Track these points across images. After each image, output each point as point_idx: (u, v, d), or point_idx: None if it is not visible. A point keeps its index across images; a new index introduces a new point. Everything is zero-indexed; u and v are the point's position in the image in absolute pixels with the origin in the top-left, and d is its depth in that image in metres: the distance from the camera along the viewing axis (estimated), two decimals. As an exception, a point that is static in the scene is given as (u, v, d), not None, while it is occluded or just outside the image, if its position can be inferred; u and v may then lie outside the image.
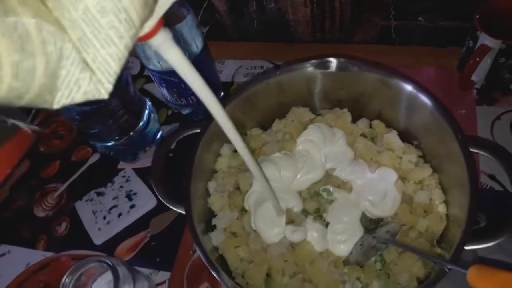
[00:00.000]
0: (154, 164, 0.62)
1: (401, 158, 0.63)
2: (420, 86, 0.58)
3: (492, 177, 0.73)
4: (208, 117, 0.62)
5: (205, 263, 0.52)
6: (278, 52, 0.94)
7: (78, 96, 0.23)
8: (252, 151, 0.67)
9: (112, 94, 0.24)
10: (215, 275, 0.51)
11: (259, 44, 0.97)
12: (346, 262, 0.57)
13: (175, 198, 0.59)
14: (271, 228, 0.58)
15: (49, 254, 0.80)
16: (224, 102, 0.62)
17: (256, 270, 0.58)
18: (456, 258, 0.46)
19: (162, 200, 0.58)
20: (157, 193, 0.59)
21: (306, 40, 0.96)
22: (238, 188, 0.65)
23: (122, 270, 0.64)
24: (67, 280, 0.62)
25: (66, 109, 0.72)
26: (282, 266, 0.57)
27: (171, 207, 0.58)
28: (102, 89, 0.23)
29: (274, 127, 0.69)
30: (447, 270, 0.45)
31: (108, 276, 0.68)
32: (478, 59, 0.72)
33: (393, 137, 0.63)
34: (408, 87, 0.59)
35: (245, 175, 0.63)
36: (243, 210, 0.63)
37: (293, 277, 0.58)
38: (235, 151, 0.67)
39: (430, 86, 0.84)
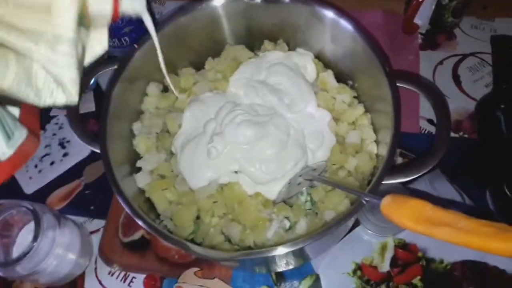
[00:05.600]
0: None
1: (335, 98, 0.61)
2: (352, 20, 0.56)
3: (431, 121, 0.73)
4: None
5: (122, 204, 0.49)
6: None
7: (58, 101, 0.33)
8: (183, 91, 0.64)
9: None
10: (131, 214, 0.49)
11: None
12: (274, 201, 0.56)
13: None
14: (199, 172, 0.56)
15: (-25, 205, 0.76)
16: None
17: (185, 212, 0.56)
18: (374, 190, 0.45)
19: (79, 138, 0.54)
20: (72, 130, 0.55)
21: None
22: (168, 130, 0.62)
23: (46, 216, 0.61)
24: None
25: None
26: (211, 207, 0.56)
27: (89, 146, 0.54)
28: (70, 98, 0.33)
29: (206, 65, 0.65)
30: (364, 202, 0.44)
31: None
32: (420, 0, 0.70)
33: (328, 77, 0.61)
34: (344, 22, 0.56)
35: (174, 116, 0.60)
36: (172, 153, 0.60)
37: (222, 218, 0.56)
38: (164, 90, 0.64)
39: (376, 30, 0.82)
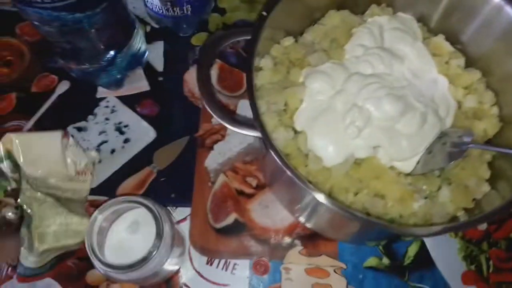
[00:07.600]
0: (201, 83, 0.49)
1: (447, 63, 0.60)
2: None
3: None
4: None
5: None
6: None
7: None
8: (293, 63, 0.59)
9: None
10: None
11: None
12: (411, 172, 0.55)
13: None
14: (333, 149, 0.53)
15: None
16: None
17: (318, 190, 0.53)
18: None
19: (229, 127, 0.48)
20: (219, 119, 0.48)
21: None
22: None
23: (157, 209, 0.55)
24: (99, 216, 0.52)
25: (38, 18, 0.56)
26: (346, 184, 0.53)
27: (243, 132, 0.48)
28: None
29: (309, 34, 0.60)
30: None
31: (129, 218, 0.59)
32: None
33: (441, 41, 0.60)
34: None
35: (294, 90, 0.55)
36: (294, 130, 0.56)
37: (357, 194, 0.54)
38: (275, 64, 0.58)
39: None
